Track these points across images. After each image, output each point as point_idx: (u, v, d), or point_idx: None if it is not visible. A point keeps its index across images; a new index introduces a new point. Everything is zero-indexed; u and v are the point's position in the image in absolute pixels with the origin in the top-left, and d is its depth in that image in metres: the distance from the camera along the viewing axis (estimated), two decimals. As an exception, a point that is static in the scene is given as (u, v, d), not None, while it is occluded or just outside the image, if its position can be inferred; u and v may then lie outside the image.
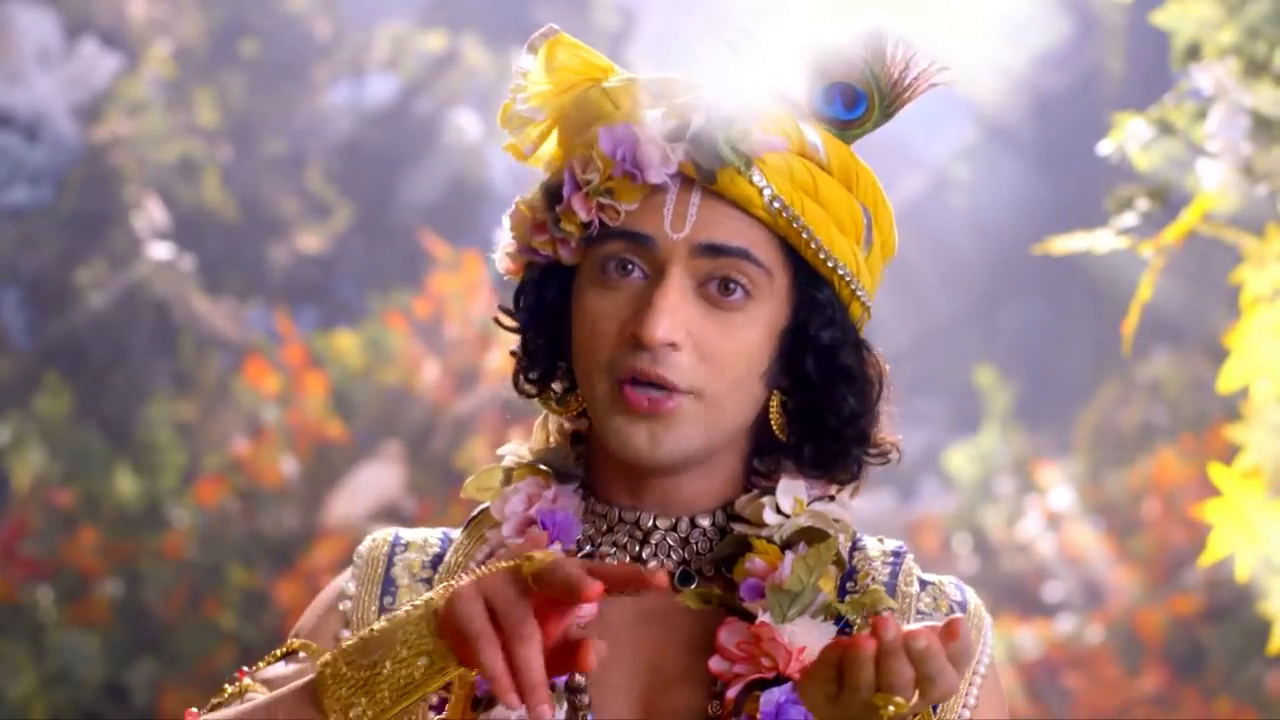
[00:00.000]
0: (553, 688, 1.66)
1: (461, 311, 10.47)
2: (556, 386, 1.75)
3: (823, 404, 1.69)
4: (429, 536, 1.81)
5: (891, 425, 1.74)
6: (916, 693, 1.49)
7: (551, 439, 1.78)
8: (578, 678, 1.67)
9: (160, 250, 11.43)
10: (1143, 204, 2.98)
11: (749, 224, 1.64)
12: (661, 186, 1.63)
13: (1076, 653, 10.16)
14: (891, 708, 1.50)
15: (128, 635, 9.67)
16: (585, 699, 1.67)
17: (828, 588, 1.65)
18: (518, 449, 1.78)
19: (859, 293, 1.69)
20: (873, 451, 1.72)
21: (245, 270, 12.41)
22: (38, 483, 10.13)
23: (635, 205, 1.63)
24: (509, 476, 1.76)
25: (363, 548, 1.81)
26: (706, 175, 1.63)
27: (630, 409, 1.64)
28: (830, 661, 1.49)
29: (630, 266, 1.65)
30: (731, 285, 1.64)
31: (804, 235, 1.65)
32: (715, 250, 1.63)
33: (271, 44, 13.55)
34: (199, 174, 12.36)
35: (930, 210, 15.77)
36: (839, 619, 1.66)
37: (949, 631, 1.48)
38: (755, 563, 1.66)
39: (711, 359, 1.64)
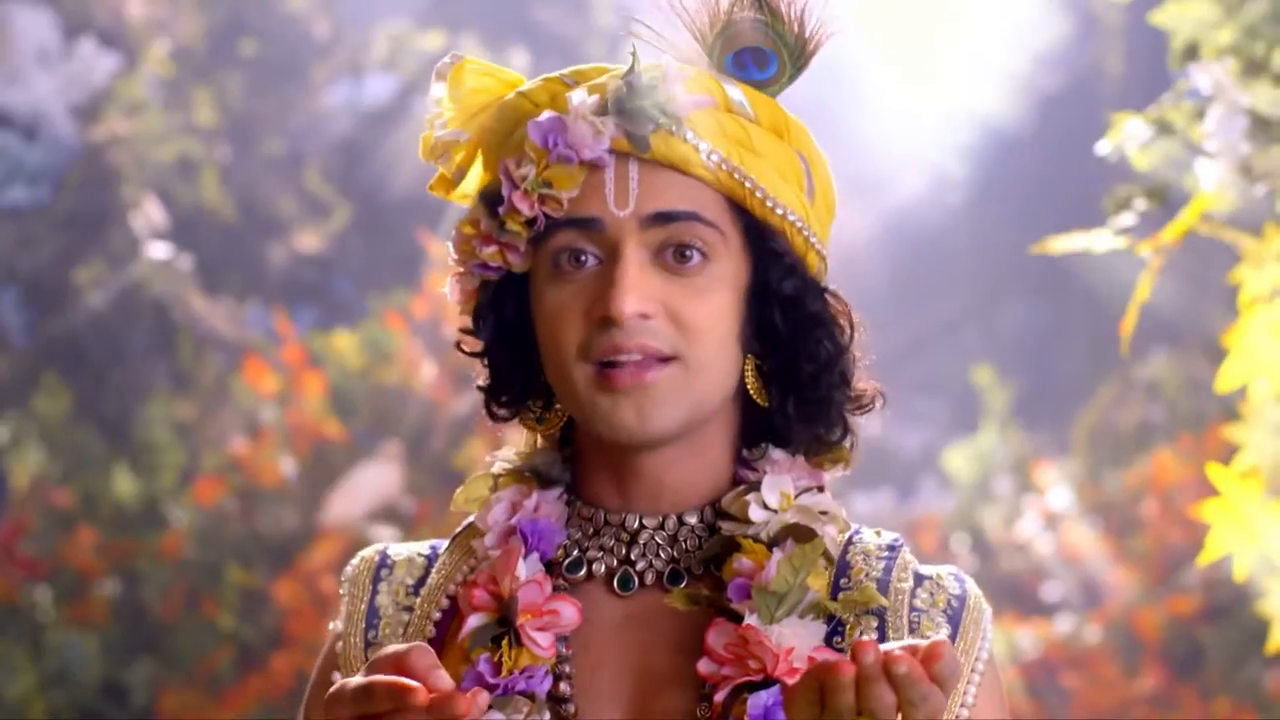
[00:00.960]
0: (532, 697, 1.66)
1: (460, 311, 10.46)
2: (534, 406, 1.74)
3: (798, 354, 1.68)
4: (417, 554, 1.79)
5: (868, 374, 1.74)
6: (899, 717, 1.47)
7: (539, 442, 1.77)
8: (562, 686, 1.66)
9: (159, 250, 11.42)
10: (1141, 204, 2.99)
11: (692, 185, 1.63)
12: (599, 166, 1.62)
13: (1074, 652, 10.15)
14: None
15: (126, 635, 9.66)
16: (570, 708, 1.66)
17: (818, 585, 1.64)
18: (506, 455, 1.77)
19: (813, 240, 1.69)
20: (853, 397, 1.71)
21: (244, 270, 12.40)
22: (36, 482, 10.12)
23: (576, 191, 1.62)
24: (497, 484, 1.76)
25: (349, 570, 1.80)
26: (640, 143, 1.62)
27: (613, 387, 1.62)
28: (812, 683, 1.48)
29: (583, 257, 1.64)
30: (687, 251, 1.63)
31: (748, 185, 1.64)
32: (665, 218, 1.63)
33: (270, 44, 13.54)
34: (197, 174, 12.35)
35: (928, 210, 15.77)
36: (830, 618, 1.65)
37: (932, 653, 1.46)
38: (742, 562, 1.65)
39: (686, 325, 1.63)
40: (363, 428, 10.38)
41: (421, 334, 10.66)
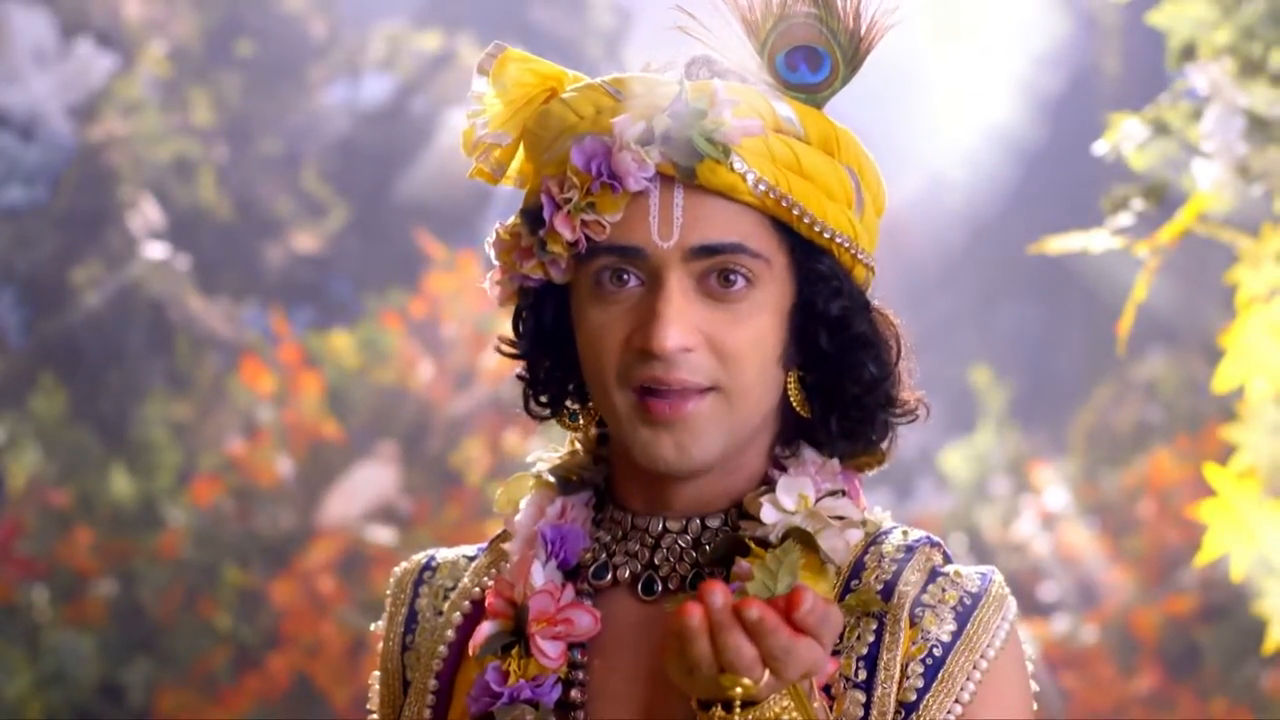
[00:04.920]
0: (537, 705, 1.65)
1: (457, 311, 10.47)
2: (570, 404, 1.72)
3: (842, 374, 1.66)
4: (463, 556, 1.80)
5: (912, 382, 1.70)
6: (767, 672, 1.42)
7: (577, 444, 1.76)
8: (573, 693, 1.66)
9: (155, 250, 11.41)
10: (1138, 204, 2.98)
11: (738, 212, 1.61)
12: (643, 191, 1.60)
13: (1072, 653, 10.15)
14: (739, 689, 1.41)
15: (123, 635, 9.66)
16: (580, 715, 1.65)
17: (821, 589, 1.61)
18: (545, 455, 1.76)
19: (860, 256, 1.67)
20: (898, 412, 1.69)
21: (241, 270, 12.39)
22: (33, 482, 10.12)
23: (619, 215, 1.60)
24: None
25: (396, 572, 1.81)
26: (686, 172, 1.60)
27: (653, 419, 1.61)
28: (675, 636, 1.44)
29: (625, 276, 1.62)
30: (731, 276, 1.61)
31: (795, 212, 1.62)
32: (709, 250, 1.61)
33: (267, 44, 13.53)
34: (194, 174, 12.34)
35: (926, 210, 15.77)
36: None
37: (791, 602, 1.42)
38: (741, 565, 1.62)
39: (727, 353, 1.61)
40: (360, 428, 10.37)
41: (419, 334, 10.66)
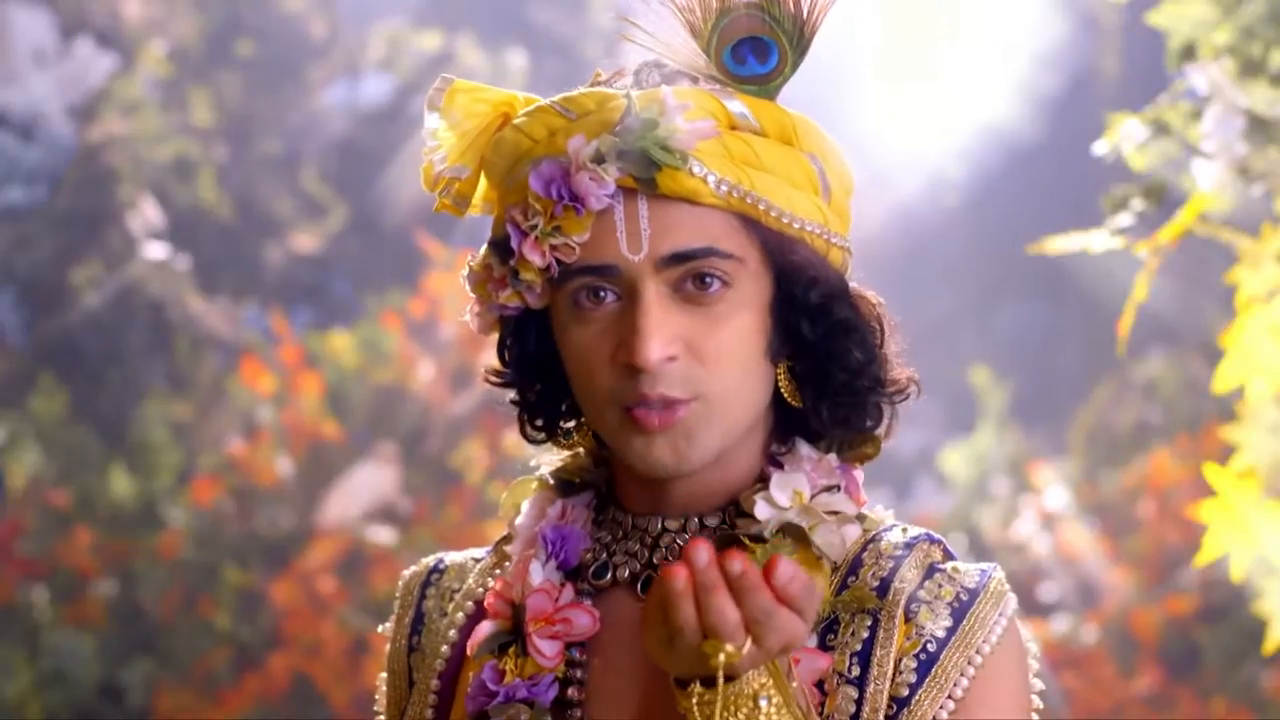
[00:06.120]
0: (532, 705, 1.65)
1: (456, 311, 10.46)
2: (565, 424, 1.72)
3: (829, 361, 1.66)
4: (471, 559, 1.81)
5: (901, 362, 1.69)
6: (749, 641, 1.42)
7: (579, 446, 1.76)
8: (570, 691, 1.66)
9: (155, 250, 11.42)
10: (1138, 204, 2.98)
11: (705, 215, 1.61)
12: (607, 207, 1.60)
13: (1071, 653, 10.16)
14: (722, 656, 1.41)
15: (123, 635, 9.66)
16: (578, 713, 1.65)
17: (816, 584, 1.61)
18: (550, 459, 1.77)
19: (834, 240, 1.66)
20: (890, 392, 1.69)
21: (240, 270, 12.40)
22: (33, 483, 10.12)
23: (586, 235, 1.60)
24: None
25: (405, 575, 1.82)
26: (646, 183, 1.60)
27: (644, 430, 1.61)
28: (657, 601, 1.44)
29: (602, 292, 1.62)
30: (707, 279, 1.61)
31: (761, 207, 1.62)
32: (680, 258, 1.61)
33: (267, 44, 13.54)
34: (194, 174, 12.35)
35: (925, 210, 15.78)
36: (829, 616, 1.63)
37: (769, 567, 1.42)
38: None
39: (709, 358, 1.61)
40: (359, 428, 10.38)
41: (418, 334, 10.66)
